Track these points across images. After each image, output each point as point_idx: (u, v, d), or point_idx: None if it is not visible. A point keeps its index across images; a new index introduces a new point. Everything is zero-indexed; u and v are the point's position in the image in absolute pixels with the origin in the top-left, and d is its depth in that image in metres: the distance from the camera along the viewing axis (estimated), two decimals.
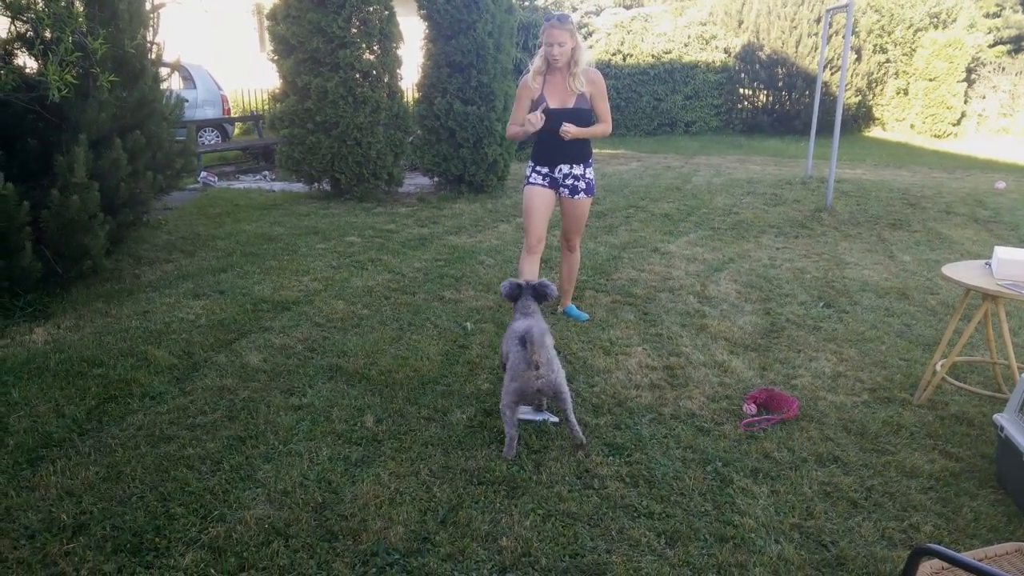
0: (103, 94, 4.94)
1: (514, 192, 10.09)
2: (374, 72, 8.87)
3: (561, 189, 4.63)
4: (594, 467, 3.12)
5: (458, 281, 5.78)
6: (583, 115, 4.41)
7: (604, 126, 4.51)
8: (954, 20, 19.11)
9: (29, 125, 4.96)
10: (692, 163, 13.66)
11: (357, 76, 8.72)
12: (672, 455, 3.24)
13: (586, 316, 4.96)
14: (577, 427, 3.29)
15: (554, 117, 4.34)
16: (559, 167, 4.55)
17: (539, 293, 3.68)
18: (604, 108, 4.49)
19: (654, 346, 4.50)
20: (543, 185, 4.60)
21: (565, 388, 3.27)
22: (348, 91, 8.60)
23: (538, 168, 4.62)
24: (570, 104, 4.39)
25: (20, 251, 4.55)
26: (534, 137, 4.49)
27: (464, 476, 3.03)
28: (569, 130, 4.32)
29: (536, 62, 4.37)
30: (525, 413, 3.52)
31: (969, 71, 18.32)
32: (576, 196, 4.63)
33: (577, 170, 4.56)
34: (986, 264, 3.78)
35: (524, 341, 3.14)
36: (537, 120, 4.28)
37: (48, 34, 4.64)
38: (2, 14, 4.90)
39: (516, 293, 3.72)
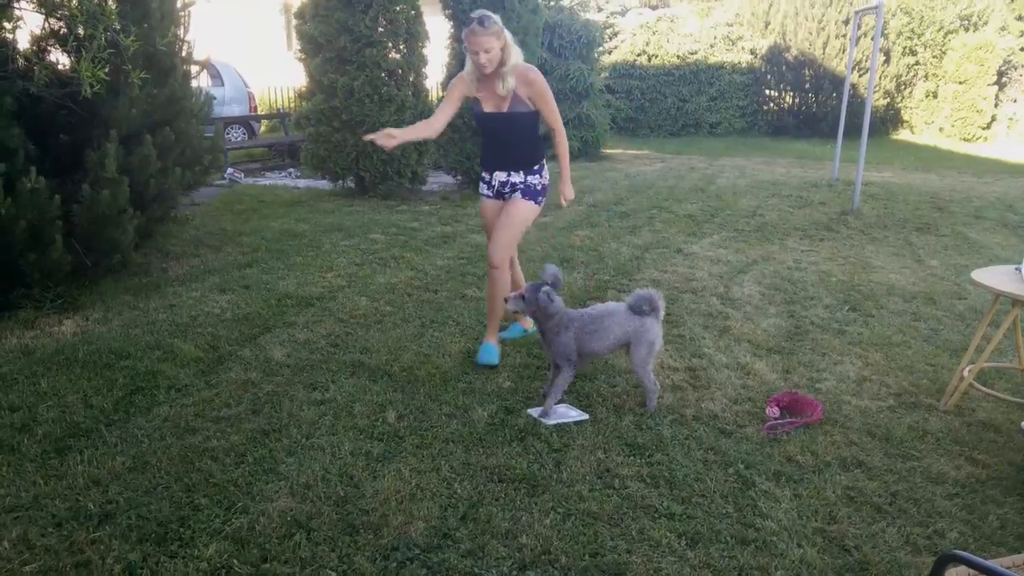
0: (134, 91, 5.01)
1: None
2: (400, 71, 8.91)
3: (505, 197, 4.21)
4: (615, 467, 3.12)
5: (480, 279, 5.79)
6: (521, 119, 3.97)
7: (560, 136, 4.09)
8: (985, 23, 18.81)
9: (61, 121, 5.05)
10: (717, 164, 13.57)
11: (383, 75, 8.76)
12: (694, 456, 3.23)
13: (496, 363, 4.11)
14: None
15: (489, 122, 4.03)
16: (495, 174, 4.17)
17: (554, 286, 3.60)
18: (549, 109, 4.00)
19: (676, 347, 4.48)
20: (489, 196, 4.25)
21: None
22: (374, 90, 8.65)
23: (484, 175, 4.27)
24: (505, 108, 3.94)
25: (51, 244, 4.63)
26: (485, 140, 4.22)
27: (485, 473, 3.03)
28: (566, 194, 4.25)
29: (468, 66, 3.91)
30: (557, 417, 3.53)
31: (1000, 74, 18.02)
32: (511, 196, 4.15)
33: (515, 177, 4.11)
34: (1016, 269, 3.73)
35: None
36: (382, 138, 3.82)
37: (81, 31, 4.71)
38: (36, 11, 4.98)
39: (533, 304, 3.59)
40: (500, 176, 4.14)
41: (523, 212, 4.12)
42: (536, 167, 4.13)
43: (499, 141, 4.09)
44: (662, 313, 3.67)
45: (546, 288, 3.56)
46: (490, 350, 4.15)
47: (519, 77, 3.88)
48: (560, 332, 3.56)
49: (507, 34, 3.81)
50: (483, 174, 4.26)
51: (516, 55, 3.84)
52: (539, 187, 4.14)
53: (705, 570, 2.51)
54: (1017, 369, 4.07)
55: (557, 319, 3.58)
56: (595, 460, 3.17)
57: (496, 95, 3.92)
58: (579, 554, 2.57)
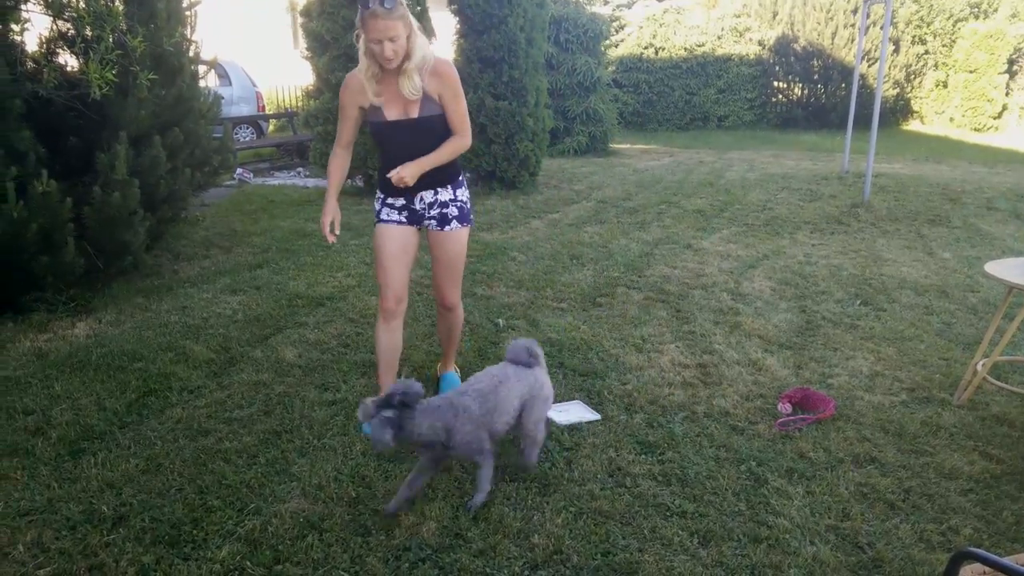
0: (143, 92, 5.02)
1: (546, 188, 10.07)
2: None
3: (427, 223, 3.39)
4: (626, 465, 3.11)
5: (490, 277, 5.78)
6: (434, 123, 3.19)
7: (459, 141, 3.26)
8: (995, 10, 18.64)
9: (71, 123, 5.07)
10: (725, 158, 13.51)
11: None
12: (705, 454, 3.22)
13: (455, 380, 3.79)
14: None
15: (393, 132, 3.21)
16: (419, 196, 3.33)
17: (405, 401, 2.61)
18: (459, 111, 3.21)
19: (687, 343, 4.47)
20: (399, 222, 3.36)
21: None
22: None
23: (390, 200, 3.36)
24: (414, 113, 3.16)
25: (63, 247, 4.65)
26: (387, 156, 3.28)
27: (496, 473, 3.03)
28: (404, 177, 3.13)
29: (362, 63, 3.10)
30: (570, 417, 3.52)
31: (1011, 62, 17.85)
32: (447, 227, 3.37)
33: (444, 195, 3.35)
34: None
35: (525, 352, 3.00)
36: (331, 238, 3.33)
37: (89, 33, 4.72)
38: (44, 13, 5.00)
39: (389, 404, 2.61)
40: (428, 196, 3.33)
41: (464, 242, 3.47)
42: (460, 177, 3.44)
43: (409, 155, 3.16)
44: (543, 360, 3.10)
45: (389, 415, 2.56)
46: (451, 377, 3.83)
47: (430, 72, 3.13)
48: (456, 432, 2.72)
49: (413, 20, 3.07)
50: (388, 199, 3.37)
51: (423, 45, 3.09)
52: (469, 203, 3.48)
53: (718, 568, 2.50)
54: None
55: (443, 424, 2.70)
56: (606, 459, 3.16)
57: (400, 97, 3.14)
58: (591, 553, 2.56)
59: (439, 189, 3.34)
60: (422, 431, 2.64)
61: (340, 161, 3.39)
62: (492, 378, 2.91)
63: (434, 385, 3.84)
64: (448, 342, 3.81)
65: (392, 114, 3.18)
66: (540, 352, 3.07)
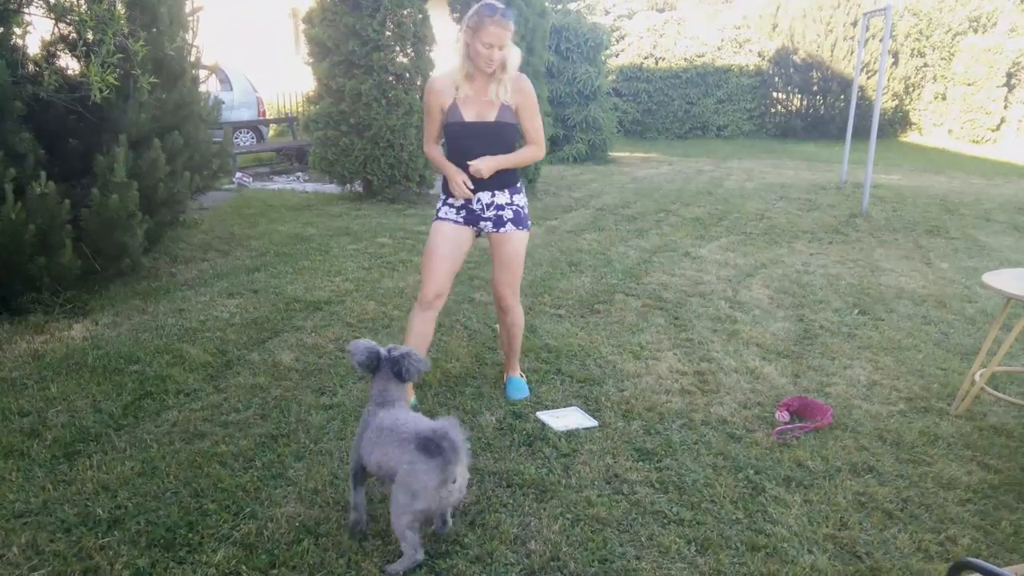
0: (143, 95, 5.03)
1: (545, 195, 10.08)
2: (407, 74, 8.92)
3: (482, 224, 3.55)
4: (624, 472, 3.10)
5: (488, 283, 5.77)
6: (508, 131, 3.42)
7: (534, 149, 3.51)
8: (994, 24, 18.74)
9: (71, 125, 5.07)
10: (724, 167, 13.54)
11: (391, 78, 8.78)
12: (703, 462, 3.21)
13: (526, 393, 3.83)
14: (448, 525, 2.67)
15: (469, 134, 3.40)
16: (476, 196, 3.48)
17: (397, 369, 2.60)
18: (535, 125, 3.48)
19: (685, 351, 4.46)
20: (455, 221, 3.53)
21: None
22: (381, 93, 8.67)
23: (450, 200, 3.54)
24: (491, 117, 3.37)
25: (61, 249, 4.64)
26: (458, 155, 3.45)
27: (493, 479, 3.02)
28: (481, 169, 3.33)
29: (459, 63, 3.34)
30: (567, 423, 3.51)
31: (1009, 76, 17.94)
32: (502, 229, 3.52)
33: (501, 198, 3.50)
34: None
35: (434, 448, 2.32)
36: (466, 190, 3.39)
37: (90, 36, 4.72)
38: (46, 16, 5.01)
39: (374, 364, 2.62)
40: (485, 197, 3.49)
41: (523, 246, 3.60)
42: (519, 184, 3.61)
43: (479, 155, 3.36)
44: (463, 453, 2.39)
45: (396, 354, 2.60)
46: (516, 383, 3.86)
47: (513, 85, 3.38)
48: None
49: None
50: (449, 198, 3.54)
51: (516, 60, 3.34)
52: (526, 209, 3.62)
53: None
54: None
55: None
56: (604, 465, 3.15)
57: (482, 101, 3.38)
58: (588, 560, 2.55)
59: (496, 192, 3.50)
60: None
61: (436, 149, 3.57)
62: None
63: (425, 391, 3.83)
64: (509, 346, 3.85)
65: (470, 115, 3.39)
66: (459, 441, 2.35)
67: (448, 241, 3.52)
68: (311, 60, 9.04)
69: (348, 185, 9.52)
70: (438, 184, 10.09)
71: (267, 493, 2.89)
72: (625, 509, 2.85)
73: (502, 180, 3.48)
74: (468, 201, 3.50)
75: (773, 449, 3.33)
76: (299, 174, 11.89)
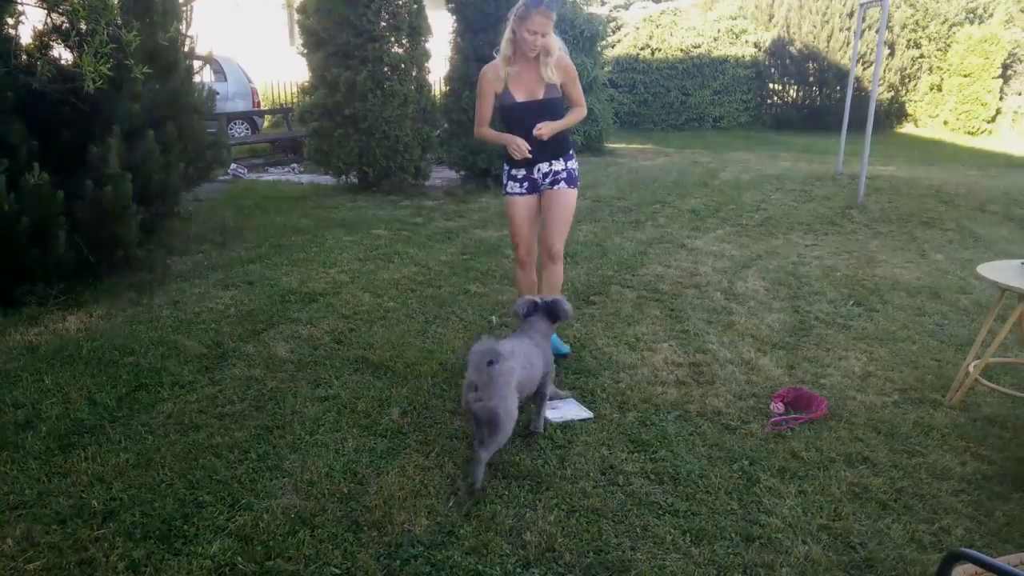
0: (137, 86, 5.00)
1: None
2: (403, 66, 8.88)
3: (542, 187, 4.12)
4: (619, 463, 3.11)
5: (484, 275, 5.78)
6: (555, 105, 3.97)
7: (580, 111, 4.08)
8: (990, 15, 18.71)
9: (64, 116, 5.04)
10: (720, 159, 13.53)
11: (386, 69, 8.74)
12: (698, 453, 3.22)
13: (567, 349, 4.28)
14: (482, 471, 2.88)
15: (523, 111, 3.94)
16: (536, 167, 4.05)
17: (552, 311, 3.43)
18: (578, 93, 4.05)
19: (680, 342, 4.47)
20: (522, 192, 4.12)
21: (501, 421, 2.86)
22: (377, 84, 8.63)
23: (514, 172, 4.12)
24: (539, 95, 3.93)
25: (55, 240, 4.63)
26: (516, 132, 3.99)
27: (489, 470, 3.02)
28: (543, 131, 3.85)
29: (504, 49, 3.86)
30: (562, 415, 3.52)
31: (1005, 67, 17.91)
32: (557, 187, 4.07)
33: (558, 165, 4.06)
34: (1022, 263, 3.71)
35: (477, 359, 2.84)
36: (524, 149, 3.88)
37: (84, 26, 4.69)
38: (39, 6, 4.97)
39: (532, 311, 3.44)
40: (544, 167, 4.05)
41: (573, 201, 4.14)
42: (571, 151, 4.15)
43: (535, 126, 3.89)
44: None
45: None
46: (555, 341, 4.07)
47: (556, 63, 3.89)
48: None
49: None
50: (513, 171, 4.10)
51: (557, 43, 3.87)
52: (577, 172, 4.14)
53: (710, 567, 2.50)
54: (1023, 364, 4.05)
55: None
56: (599, 456, 3.16)
57: (529, 81, 3.91)
58: (583, 551, 2.56)
59: (553, 161, 4.05)
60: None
61: (488, 129, 4.07)
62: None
63: (421, 383, 3.83)
64: None
65: (520, 96, 3.95)
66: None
67: (522, 210, 4.14)
68: (305, 51, 9.01)
69: (343, 177, 9.49)
70: (434, 176, 10.08)
71: (262, 485, 2.89)
72: (620, 500, 2.85)
73: (556, 150, 4.02)
74: (529, 171, 4.06)
75: (768, 440, 3.34)
76: (294, 165, 11.86)
